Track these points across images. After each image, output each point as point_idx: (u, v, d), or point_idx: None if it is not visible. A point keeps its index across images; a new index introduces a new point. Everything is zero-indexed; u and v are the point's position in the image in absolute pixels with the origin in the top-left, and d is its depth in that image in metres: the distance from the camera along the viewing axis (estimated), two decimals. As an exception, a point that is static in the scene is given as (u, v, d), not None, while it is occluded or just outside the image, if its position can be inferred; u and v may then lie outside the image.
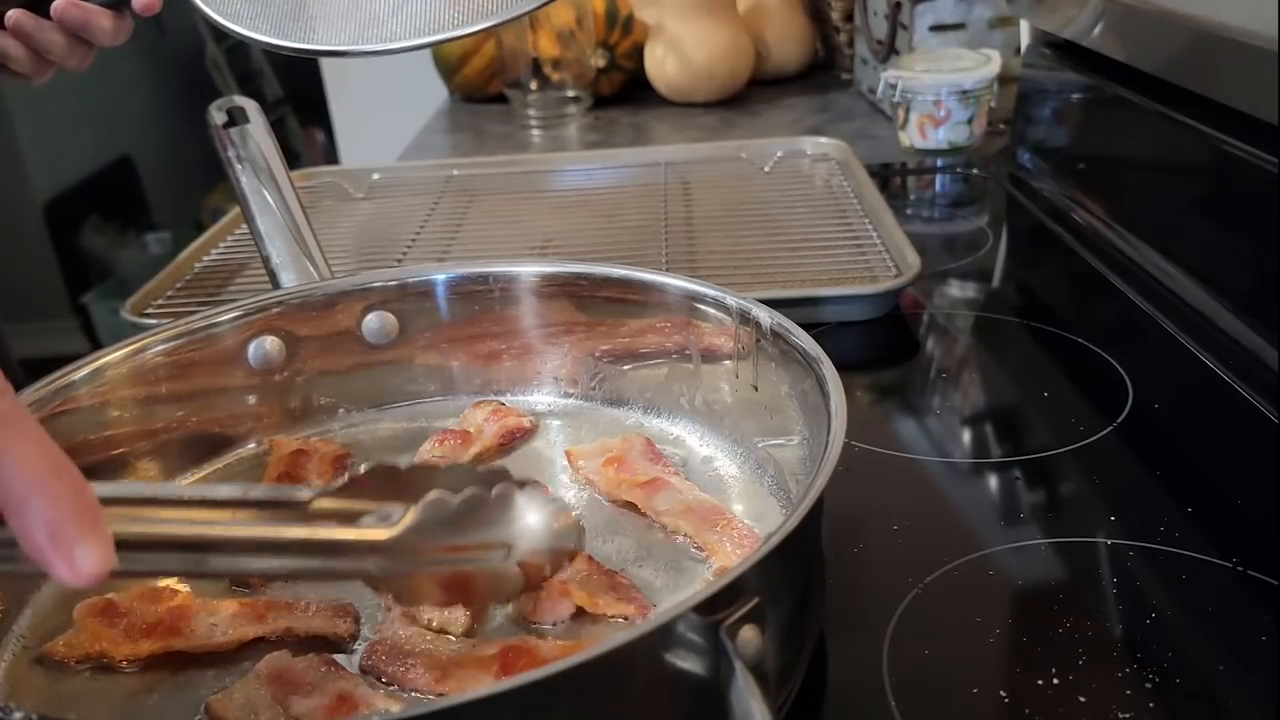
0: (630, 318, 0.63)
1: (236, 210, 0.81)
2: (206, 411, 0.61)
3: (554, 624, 0.47)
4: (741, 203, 1.00)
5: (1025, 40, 1.13)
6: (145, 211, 3.09)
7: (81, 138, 2.90)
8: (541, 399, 0.66)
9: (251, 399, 0.63)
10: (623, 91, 1.52)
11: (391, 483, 0.41)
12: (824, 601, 0.47)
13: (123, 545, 0.33)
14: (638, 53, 1.48)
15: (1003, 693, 0.43)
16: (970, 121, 1.12)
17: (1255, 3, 0.65)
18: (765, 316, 0.55)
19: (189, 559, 0.38)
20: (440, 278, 0.65)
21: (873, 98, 1.37)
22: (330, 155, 2.37)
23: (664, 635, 0.34)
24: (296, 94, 3.04)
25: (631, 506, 0.54)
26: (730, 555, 0.49)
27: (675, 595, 0.49)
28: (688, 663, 0.35)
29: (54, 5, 0.61)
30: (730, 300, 0.57)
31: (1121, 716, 0.41)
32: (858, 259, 0.84)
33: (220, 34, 3.10)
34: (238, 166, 0.66)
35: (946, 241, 0.95)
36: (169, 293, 0.85)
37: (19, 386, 0.53)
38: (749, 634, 0.35)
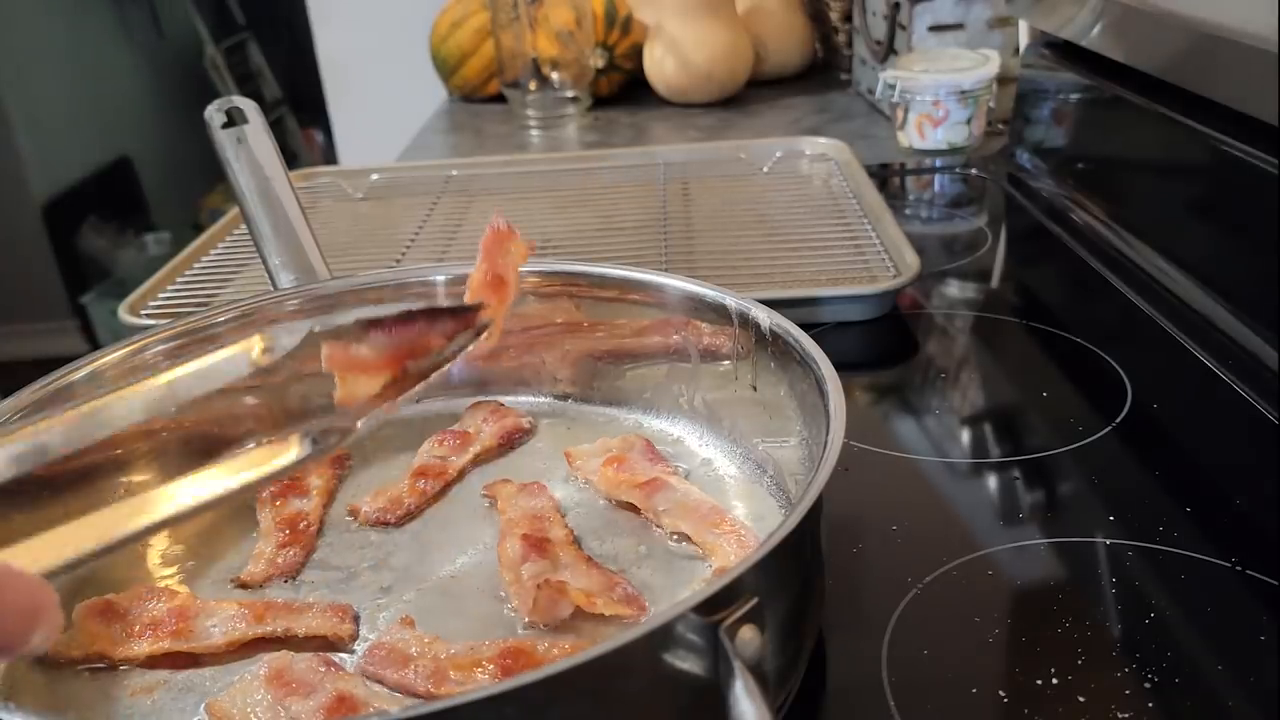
0: (629, 318, 0.63)
1: (235, 211, 0.81)
2: (205, 412, 0.61)
3: (553, 624, 0.47)
4: (740, 203, 1.00)
5: (1024, 40, 1.13)
6: (144, 212, 3.10)
7: (80, 138, 2.90)
8: (540, 399, 0.66)
9: (250, 399, 0.62)
10: (621, 92, 1.52)
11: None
12: (823, 601, 0.47)
13: None
14: (636, 53, 1.48)
15: (1001, 693, 0.43)
16: (969, 122, 1.12)
17: (1255, 3, 0.65)
18: (764, 317, 0.55)
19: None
20: (439, 278, 0.65)
21: (871, 98, 1.37)
22: (329, 156, 2.38)
23: (663, 635, 0.34)
24: (295, 94, 3.04)
25: (631, 507, 0.54)
26: (729, 555, 0.49)
27: (674, 595, 0.49)
28: (687, 663, 0.35)
29: None
30: (729, 301, 0.57)
31: (1120, 716, 0.41)
32: (856, 259, 0.84)
33: (219, 34, 3.11)
34: (236, 167, 0.66)
35: (945, 242, 0.95)
36: (165, 293, 0.85)
37: (16, 387, 0.53)
38: (748, 634, 0.35)
